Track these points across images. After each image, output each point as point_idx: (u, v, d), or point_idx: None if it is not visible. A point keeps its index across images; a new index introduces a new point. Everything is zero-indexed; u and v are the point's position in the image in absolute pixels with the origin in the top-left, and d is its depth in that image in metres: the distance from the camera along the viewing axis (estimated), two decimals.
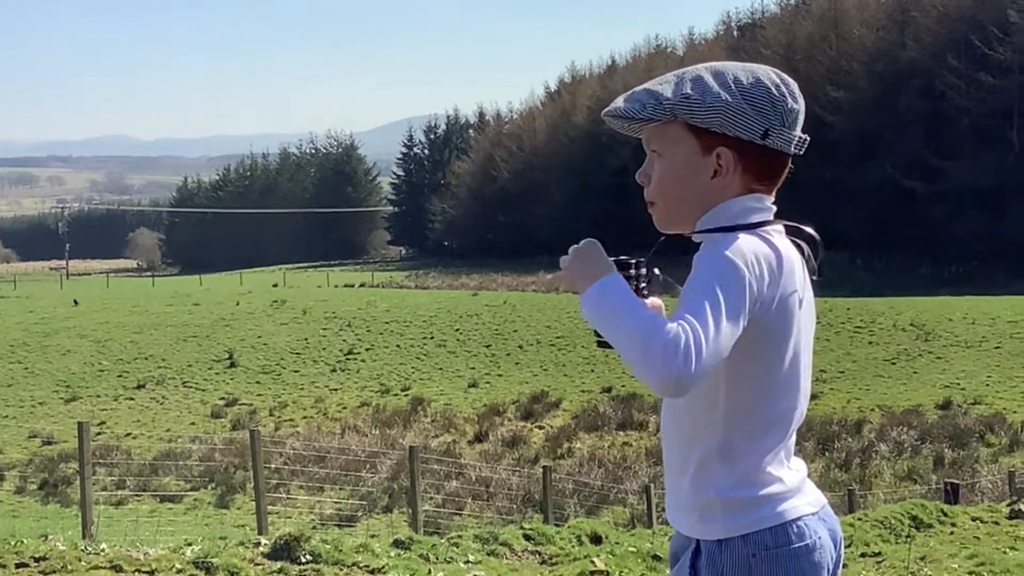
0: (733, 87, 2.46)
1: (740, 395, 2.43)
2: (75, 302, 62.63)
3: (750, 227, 2.45)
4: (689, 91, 2.47)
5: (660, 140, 2.54)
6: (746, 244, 2.38)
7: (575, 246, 2.50)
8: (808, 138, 2.54)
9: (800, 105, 2.51)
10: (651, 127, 2.54)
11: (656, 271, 2.62)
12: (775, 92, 2.48)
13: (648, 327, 2.24)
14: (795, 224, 2.55)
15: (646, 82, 2.57)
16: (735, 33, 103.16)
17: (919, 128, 74.86)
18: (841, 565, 2.61)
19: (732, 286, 2.30)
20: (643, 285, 2.57)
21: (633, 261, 2.58)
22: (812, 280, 2.56)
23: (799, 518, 2.46)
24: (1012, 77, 71.77)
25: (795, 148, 2.52)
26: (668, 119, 2.49)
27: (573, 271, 2.46)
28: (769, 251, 2.41)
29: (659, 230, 2.62)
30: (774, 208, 2.54)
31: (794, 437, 2.55)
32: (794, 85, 2.52)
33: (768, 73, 2.50)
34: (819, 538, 2.47)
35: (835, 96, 77.14)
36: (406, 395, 41.79)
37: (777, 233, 2.49)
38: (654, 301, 2.62)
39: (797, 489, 2.50)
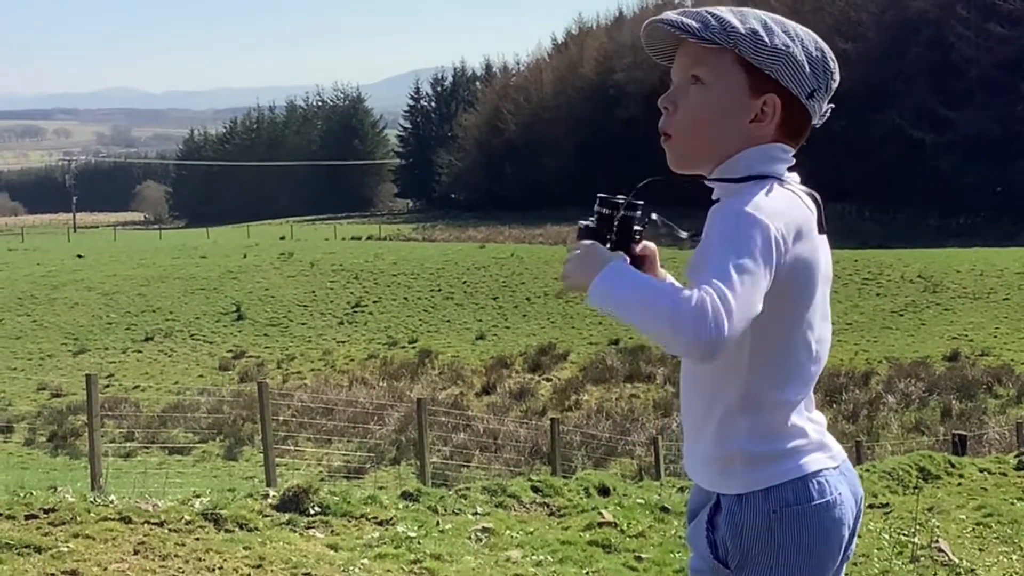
0: (796, 41, 2.43)
1: (764, 346, 2.38)
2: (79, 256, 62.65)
3: (769, 177, 2.40)
4: (759, 28, 2.41)
5: (707, 67, 2.45)
6: (770, 197, 2.34)
7: (571, 250, 2.45)
8: (831, 109, 2.55)
9: (836, 81, 2.51)
10: (697, 52, 2.45)
11: (654, 215, 2.54)
12: (829, 61, 2.48)
13: (672, 299, 2.18)
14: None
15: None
16: None
17: (927, 79, 74.46)
18: (861, 519, 2.58)
19: (757, 241, 2.24)
20: (636, 227, 2.50)
21: (621, 199, 2.49)
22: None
23: (819, 472, 2.42)
24: (1021, 27, 71.34)
25: (820, 118, 2.53)
26: (727, 48, 2.41)
27: (576, 268, 2.40)
28: (793, 201, 2.38)
29: (672, 168, 2.54)
30: (793, 162, 2.49)
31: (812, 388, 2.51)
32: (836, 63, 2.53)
33: (820, 41, 2.50)
34: (840, 494, 2.43)
35: (843, 47, 76.37)
36: (413, 347, 41.80)
37: (795, 184, 2.45)
38: (647, 245, 2.57)
39: (819, 443, 2.47)
